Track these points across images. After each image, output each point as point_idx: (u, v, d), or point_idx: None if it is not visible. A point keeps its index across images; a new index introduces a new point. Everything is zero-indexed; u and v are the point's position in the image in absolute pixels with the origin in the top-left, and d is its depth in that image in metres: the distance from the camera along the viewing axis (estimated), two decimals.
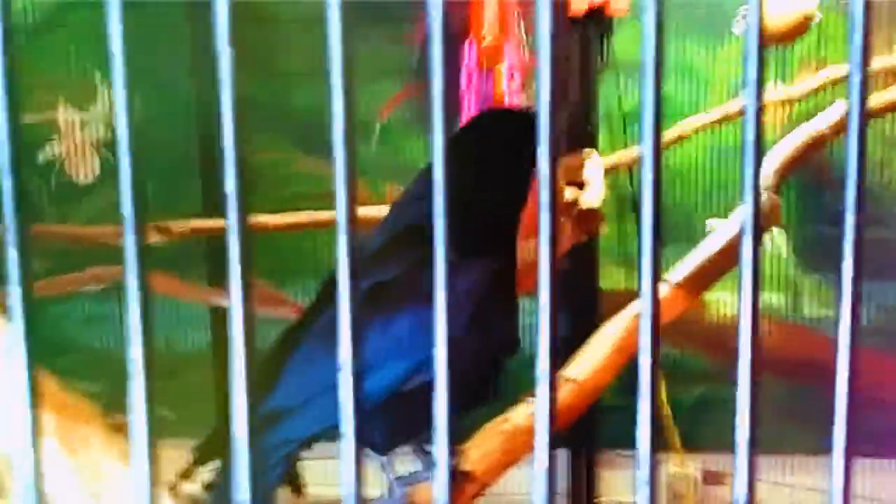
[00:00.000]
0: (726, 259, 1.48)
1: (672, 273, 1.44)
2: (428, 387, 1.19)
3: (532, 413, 1.27)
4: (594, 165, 1.56)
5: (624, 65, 2.72)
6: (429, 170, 1.30)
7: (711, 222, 1.64)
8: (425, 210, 1.23)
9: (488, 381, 1.25)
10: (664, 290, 1.41)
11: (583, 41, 2.73)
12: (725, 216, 2.68)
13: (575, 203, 1.60)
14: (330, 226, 1.77)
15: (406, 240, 1.24)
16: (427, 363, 1.14)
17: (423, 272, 1.19)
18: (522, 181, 1.24)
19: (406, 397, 1.20)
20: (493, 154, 1.24)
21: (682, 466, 2.76)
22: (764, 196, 1.57)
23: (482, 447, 1.19)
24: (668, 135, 2.39)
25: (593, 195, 1.56)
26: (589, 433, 2.70)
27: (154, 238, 1.68)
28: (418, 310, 1.17)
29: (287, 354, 1.26)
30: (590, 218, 1.62)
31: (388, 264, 1.21)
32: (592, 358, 1.29)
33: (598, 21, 2.69)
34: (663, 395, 2.74)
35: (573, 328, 2.84)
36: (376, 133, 2.85)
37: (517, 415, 1.23)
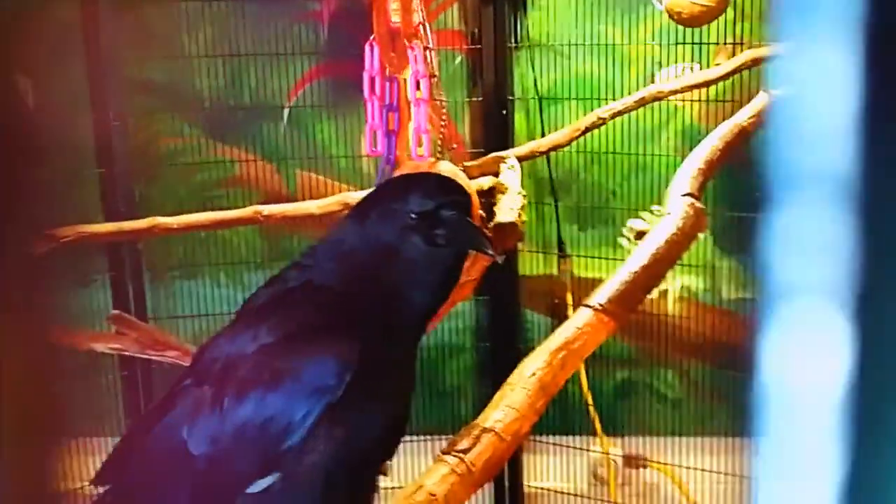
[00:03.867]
0: (651, 277, 1.42)
1: (596, 296, 1.38)
2: (280, 494, 1.09)
3: (448, 474, 1.20)
4: (511, 172, 1.50)
5: (539, 45, 2.65)
6: (330, 238, 1.19)
7: (632, 223, 1.59)
8: (310, 275, 1.13)
9: (357, 484, 1.12)
10: (587, 315, 1.35)
11: (496, 18, 2.65)
12: (643, 201, 2.65)
13: (491, 218, 1.54)
14: (234, 225, 1.65)
15: (279, 305, 1.13)
16: (273, 463, 1.05)
17: (278, 351, 1.07)
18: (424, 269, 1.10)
19: (254, 501, 1.07)
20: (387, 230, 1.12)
21: (604, 450, 2.74)
22: (688, 206, 1.52)
23: None
24: (587, 120, 2.33)
25: (508, 206, 1.49)
26: None
27: (37, 247, 1.55)
28: (266, 396, 1.05)
29: (149, 429, 1.16)
30: (507, 233, 1.55)
31: (249, 334, 1.10)
32: (513, 403, 1.21)
33: None
34: (584, 381, 2.71)
35: (493, 314, 2.80)
36: (285, 116, 2.74)
37: (432, 481, 1.12)
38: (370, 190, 1.25)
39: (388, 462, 1.15)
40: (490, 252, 1.10)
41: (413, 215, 1.09)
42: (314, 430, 1.05)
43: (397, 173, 1.72)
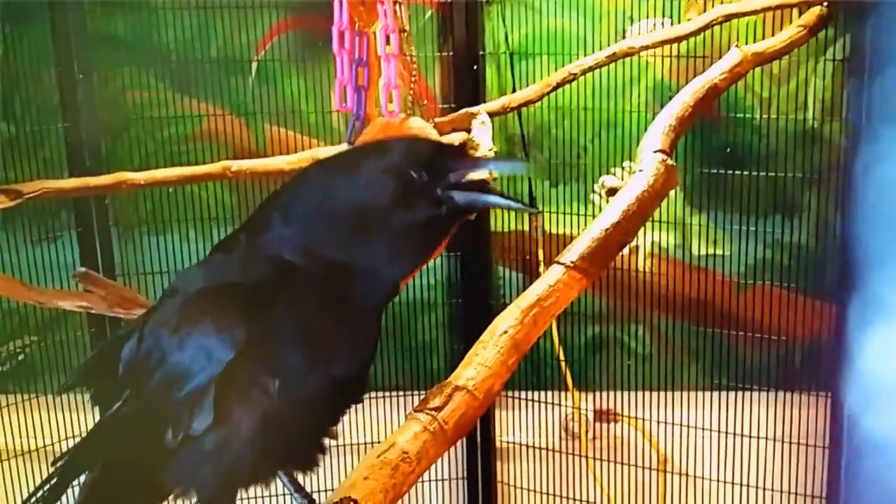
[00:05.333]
0: (623, 233, 1.43)
1: (568, 253, 1.38)
2: (211, 448, 1.08)
3: (421, 431, 1.20)
4: (483, 128, 1.49)
5: None
6: (295, 200, 1.15)
7: (604, 179, 1.59)
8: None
9: (294, 446, 1.11)
10: (559, 272, 1.35)
11: None
12: (615, 157, 2.65)
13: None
14: (202, 180, 1.64)
15: (225, 255, 1.10)
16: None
17: (187, 304, 1.04)
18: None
19: (196, 442, 1.06)
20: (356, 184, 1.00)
21: (575, 405, 2.77)
22: (659, 163, 1.52)
23: (367, 484, 1.04)
24: (558, 75, 2.32)
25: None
26: None
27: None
28: (200, 333, 1.02)
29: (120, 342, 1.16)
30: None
31: (193, 274, 1.10)
32: (486, 361, 1.22)
33: None
34: (556, 337, 2.73)
35: (465, 270, 2.80)
36: (254, 70, 2.70)
37: (404, 438, 1.11)
38: (344, 149, 1.20)
39: (335, 428, 1.14)
40: (532, 209, 1.06)
41: (414, 174, 0.99)
42: (225, 396, 1.02)
43: (368, 129, 1.71)
